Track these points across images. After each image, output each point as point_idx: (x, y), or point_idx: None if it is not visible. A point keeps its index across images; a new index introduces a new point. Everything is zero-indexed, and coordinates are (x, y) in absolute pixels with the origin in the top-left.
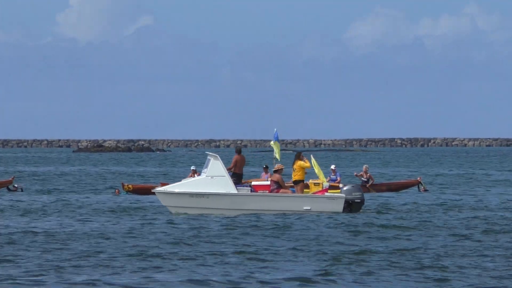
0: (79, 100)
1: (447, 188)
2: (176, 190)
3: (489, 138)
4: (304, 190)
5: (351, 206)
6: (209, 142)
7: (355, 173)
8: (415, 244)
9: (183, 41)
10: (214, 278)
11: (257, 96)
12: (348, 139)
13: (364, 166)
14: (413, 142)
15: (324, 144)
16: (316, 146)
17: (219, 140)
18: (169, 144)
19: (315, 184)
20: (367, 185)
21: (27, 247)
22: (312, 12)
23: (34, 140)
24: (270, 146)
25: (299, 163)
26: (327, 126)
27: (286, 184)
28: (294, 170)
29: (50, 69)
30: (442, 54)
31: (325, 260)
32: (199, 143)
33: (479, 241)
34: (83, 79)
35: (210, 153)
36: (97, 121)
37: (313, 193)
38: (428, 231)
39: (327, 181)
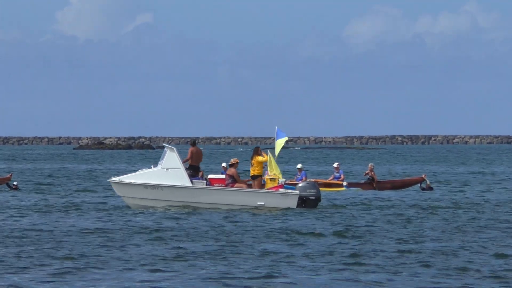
0: (79, 97)
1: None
2: (131, 181)
3: (490, 136)
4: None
5: (305, 202)
6: (209, 139)
7: (364, 174)
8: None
9: (182, 39)
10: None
11: (256, 94)
12: (348, 137)
13: (370, 165)
14: (413, 139)
15: (325, 142)
16: (316, 143)
17: (220, 138)
18: (169, 142)
19: (271, 179)
20: (374, 184)
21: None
22: (311, 10)
23: (35, 138)
24: (285, 142)
25: (257, 158)
26: (328, 123)
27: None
28: (252, 165)
29: (49, 66)
30: (441, 52)
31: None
32: (200, 141)
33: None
34: (83, 76)
35: (167, 145)
36: (97, 118)
37: (268, 188)
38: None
39: (331, 179)
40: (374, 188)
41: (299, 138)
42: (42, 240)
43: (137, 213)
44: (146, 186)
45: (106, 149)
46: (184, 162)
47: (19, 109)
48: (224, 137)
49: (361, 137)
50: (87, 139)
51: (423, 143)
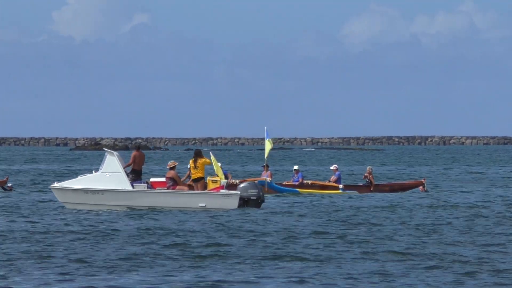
0: (76, 98)
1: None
2: (71, 187)
3: (487, 136)
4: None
5: (247, 203)
6: (206, 140)
7: (363, 177)
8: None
9: (179, 39)
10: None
11: (253, 94)
12: (345, 137)
13: (368, 168)
14: (410, 140)
15: (322, 142)
16: (313, 144)
17: (216, 138)
18: (166, 142)
19: (213, 181)
20: (371, 188)
21: None
22: (307, 10)
23: (31, 138)
24: (268, 144)
25: (202, 160)
26: (325, 124)
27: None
28: (196, 168)
29: (46, 67)
30: (438, 52)
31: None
32: (197, 141)
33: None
34: (80, 77)
35: (107, 149)
36: (94, 119)
37: (210, 190)
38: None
39: (331, 181)
40: (372, 191)
41: (295, 138)
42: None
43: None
44: (86, 191)
45: (102, 149)
46: (127, 166)
47: (15, 110)
48: (221, 138)
49: (358, 138)
50: (83, 140)
51: (419, 143)
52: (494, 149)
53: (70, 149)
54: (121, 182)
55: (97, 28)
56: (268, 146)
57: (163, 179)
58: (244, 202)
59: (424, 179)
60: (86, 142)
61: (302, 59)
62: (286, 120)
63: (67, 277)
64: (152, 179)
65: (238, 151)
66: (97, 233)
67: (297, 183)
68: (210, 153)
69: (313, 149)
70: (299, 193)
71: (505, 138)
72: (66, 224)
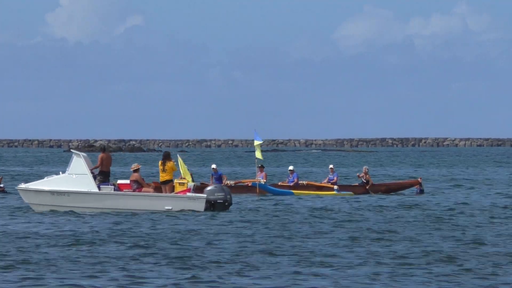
0: (69, 100)
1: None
2: (37, 188)
3: (480, 138)
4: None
5: (213, 206)
6: (200, 142)
7: (357, 174)
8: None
9: (173, 41)
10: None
11: (247, 96)
12: (339, 139)
13: (364, 167)
14: (404, 142)
15: (315, 144)
16: (307, 146)
17: (210, 140)
18: (160, 144)
19: (180, 183)
20: (366, 186)
21: None
22: (302, 12)
23: (25, 140)
24: (254, 146)
25: (171, 164)
26: (318, 126)
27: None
28: (164, 171)
29: (40, 69)
30: (432, 54)
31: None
32: (190, 143)
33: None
34: (73, 79)
35: (74, 151)
36: (88, 121)
37: (176, 192)
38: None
39: (326, 181)
40: (367, 191)
41: (289, 140)
42: None
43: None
44: (53, 192)
45: (96, 152)
46: (94, 168)
47: (9, 112)
48: (215, 140)
49: (351, 140)
50: (77, 142)
51: (413, 145)
52: (486, 151)
53: (64, 151)
54: (87, 184)
55: (91, 30)
56: (257, 147)
57: (128, 181)
58: (211, 205)
59: (420, 178)
60: (80, 144)
61: (297, 61)
62: (279, 122)
63: (33, 281)
64: (119, 181)
65: (236, 152)
66: (61, 237)
67: (292, 183)
68: (178, 155)
69: (320, 150)
70: (293, 195)
71: (498, 139)
72: (32, 227)
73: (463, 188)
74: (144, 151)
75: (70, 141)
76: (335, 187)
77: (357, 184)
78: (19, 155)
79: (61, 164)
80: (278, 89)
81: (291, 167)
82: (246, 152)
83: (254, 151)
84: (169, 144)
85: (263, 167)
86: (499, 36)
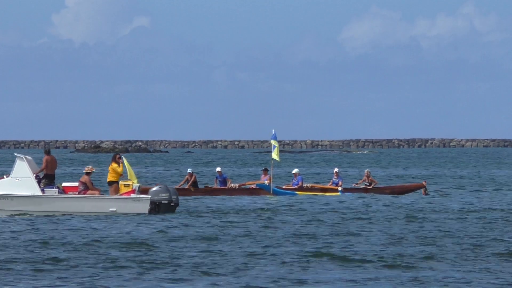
0: (76, 101)
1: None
2: None
3: (487, 139)
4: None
5: (158, 207)
6: (206, 143)
7: (353, 184)
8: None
9: (179, 42)
10: None
11: (253, 97)
12: (345, 140)
13: (366, 171)
14: (410, 143)
15: (321, 145)
16: (313, 146)
17: (216, 141)
18: (166, 145)
19: (125, 185)
20: (369, 188)
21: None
22: (307, 13)
23: (31, 141)
24: (273, 145)
25: (114, 165)
26: (324, 127)
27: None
28: (109, 172)
29: (46, 69)
30: (438, 55)
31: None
32: (196, 144)
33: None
34: (79, 80)
35: (18, 154)
36: (94, 122)
37: (121, 194)
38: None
39: (330, 184)
40: (371, 192)
41: (295, 141)
42: None
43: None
44: None
45: (102, 152)
46: (39, 171)
47: (15, 113)
48: (221, 140)
49: (357, 141)
50: (83, 143)
51: (419, 146)
52: (492, 152)
53: (70, 152)
54: (31, 187)
55: (97, 31)
56: (276, 148)
57: (76, 184)
58: (156, 206)
59: (425, 182)
60: (86, 145)
61: (302, 62)
62: (286, 123)
63: None
64: (64, 184)
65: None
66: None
67: (296, 186)
68: (123, 157)
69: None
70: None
71: (505, 140)
72: None
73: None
74: (150, 152)
75: (76, 142)
76: (340, 188)
77: (361, 187)
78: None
79: (64, 165)
80: (284, 89)
81: (295, 170)
82: (252, 152)
83: (263, 152)
84: (176, 145)
85: (267, 170)
86: (506, 37)
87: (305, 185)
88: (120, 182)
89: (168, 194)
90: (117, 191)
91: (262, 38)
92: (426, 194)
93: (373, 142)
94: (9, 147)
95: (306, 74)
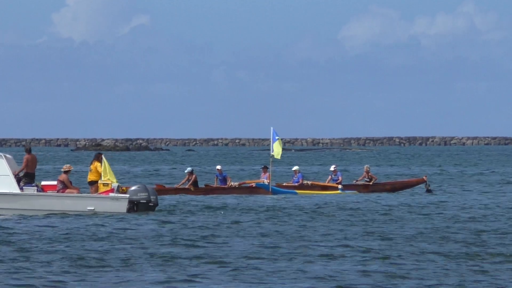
0: (76, 99)
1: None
2: None
3: (488, 137)
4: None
5: (137, 206)
6: (207, 141)
7: (353, 181)
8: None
9: (179, 41)
10: None
11: (254, 96)
12: (346, 138)
13: (365, 166)
14: (411, 141)
15: (322, 143)
16: (314, 145)
17: (217, 139)
18: (167, 143)
19: (104, 184)
20: (370, 184)
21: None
22: (307, 12)
23: (32, 139)
24: (278, 144)
25: (97, 164)
26: (325, 125)
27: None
28: (90, 171)
29: (46, 68)
30: (438, 53)
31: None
32: (197, 142)
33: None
34: (80, 78)
35: None
36: (95, 120)
37: (100, 193)
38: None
39: (329, 180)
40: (372, 188)
41: (296, 139)
42: None
43: None
44: None
45: (103, 150)
46: (20, 171)
47: (16, 111)
48: (222, 139)
49: (358, 139)
50: (84, 141)
51: (420, 144)
52: (492, 150)
53: (71, 150)
54: (9, 185)
55: (97, 30)
56: (278, 147)
57: (53, 182)
58: (134, 205)
59: (425, 177)
60: (87, 143)
61: (302, 61)
62: (286, 121)
63: None
64: (43, 182)
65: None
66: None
67: (296, 184)
68: (102, 155)
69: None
70: (297, 195)
71: (506, 138)
72: None
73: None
74: (151, 150)
75: (77, 140)
76: (340, 186)
77: (361, 183)
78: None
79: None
80: (284, 88)
81: (295, 168)
82: (253, 150)
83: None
84: (177, 143)
85: (267, 168)
86: (505, 35)
87: (305, 182)
88: (99, 181)
89: (146, 194)
90: (97, 190)
91: (261, 37)
92: (429, 191)
93: (374, 140)
94: (10, 145)
95: (306, 73)
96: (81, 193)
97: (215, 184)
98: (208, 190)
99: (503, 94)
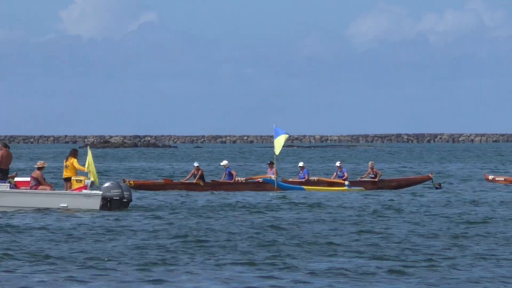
0: (84, 96)
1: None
2: None
3: (496, 134)
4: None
5: (110, 203)
6: (215, 138)
7: (358, 178)
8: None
9: (186, 37)
10: None
11: (261, 92)
12: (354, 135)
13: (370, 163)
14: (419, 138)
15: (330, 140)
16: (322, 141)
17: (225, 136)
18: (175, 140)
19: (77, 180)
20: (375, 180)
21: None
22: (314, 8)
23: (40, 136)
24: (280, 140)
25: (73, 160)
26: (333, 122)
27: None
28: (66, 167)
29: (54, 65)
30: (447, 50)
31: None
32: (205, 139)
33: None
34: (88, 75)
35: None
36: (103, 117)
37: (73, 189)
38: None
39: (334, 177)
40: (377, 184)
41: (304, 136)
42: None
43: None
44: None
45: (111, 147)
46: None
47: (24, 108)
48: (230, 136)
49: (366, 136)
50: (92, 138)
51: (428, 141)
52: (503, 146)
53: (80, 147)
54: None
55: (105, 27)
56: (279, 142)
57: (26, 178)
58: (107, 202)
59: (431, 174)
60: (95, 140)
61: (309, 57)
62: (294, 118)
63: None
64: (16, 179)
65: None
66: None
67: (303, 180)
68: (88, 150)
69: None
70: (304, 191)
71: None
72: None
73: None
74: (159, 147)
75: (85, 137)
76: (346, 182)
77: (367, 180)
78: (36, 151)
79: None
80: (291, 85)
81: (301, 163)
82: (261, 147)
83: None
84: (185, 140)
85: (273, 164)
86: None
87: (311, 178)
88: (72, 178)
89: (120, 190)
90: (71, 187)
91: (269, 34)
92: (437, 188)
93: (382, 137)
94: (18, 142)
95: (313, 70)
96: (54, 190)
97: (223, 179)
98: (216, 185)
99: (511, 91)
